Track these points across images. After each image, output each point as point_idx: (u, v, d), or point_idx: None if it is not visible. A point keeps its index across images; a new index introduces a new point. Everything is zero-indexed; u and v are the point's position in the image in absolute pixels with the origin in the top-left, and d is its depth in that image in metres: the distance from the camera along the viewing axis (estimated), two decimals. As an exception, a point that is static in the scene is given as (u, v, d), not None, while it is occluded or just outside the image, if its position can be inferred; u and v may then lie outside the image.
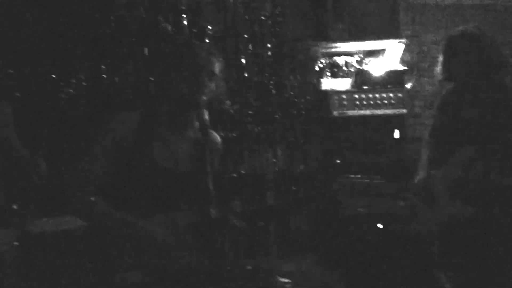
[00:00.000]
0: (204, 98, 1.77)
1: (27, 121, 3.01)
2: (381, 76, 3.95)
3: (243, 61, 3.80)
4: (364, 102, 3.94)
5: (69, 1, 3.44)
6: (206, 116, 1.78)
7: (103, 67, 3.34)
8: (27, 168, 2.71)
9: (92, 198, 1.66)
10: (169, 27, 3.55)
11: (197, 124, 1.80)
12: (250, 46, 3.80)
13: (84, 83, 3.29)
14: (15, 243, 2.18)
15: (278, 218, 3.35)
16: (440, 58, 2.32)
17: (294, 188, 3.73)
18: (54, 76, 3.21)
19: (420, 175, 2.33)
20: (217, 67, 1.81)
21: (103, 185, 1.69)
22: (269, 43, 3.83)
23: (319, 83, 4.02)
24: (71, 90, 3.24)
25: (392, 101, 3.93)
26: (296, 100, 3.89)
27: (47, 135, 3.15)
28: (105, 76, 3.31)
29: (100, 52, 3.36)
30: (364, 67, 4.12)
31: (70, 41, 3.36)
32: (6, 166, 2.61)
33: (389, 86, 3.92)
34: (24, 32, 3.35)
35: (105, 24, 3.41)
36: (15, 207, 2.68)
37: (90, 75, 3.29)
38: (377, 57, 4.20)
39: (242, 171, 3.62)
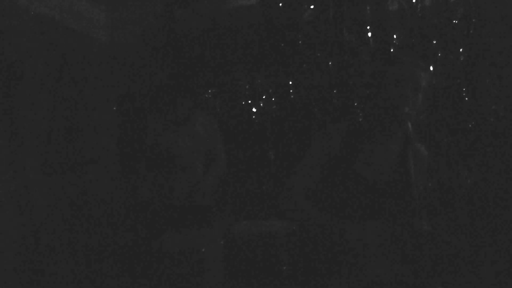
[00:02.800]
0: (409, 111, 1.74)
1: (229, 134, 3.40)
2: None
3: (431, 68, 3.60)
4: None
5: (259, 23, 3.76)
6: (411, 130, 1.75)
7: (290, 82, 3.55)
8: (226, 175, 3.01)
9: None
10: (353, 39, 3.59)
11: (402, 136, 1.79)
12: (439, 53, 3.59)
13: (273, 98, 3.52)
14: (221, 243, 2.41)
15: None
16: None
17: (489, 205, 3.37)
18: (247, 93, 3.52)
19: None
20: (424, 80, 1.77)
21: (310, 194, 1.79)
22: (462, 48, 3.56)
23: (521, 88, 3.56)
24: (261, 104, 3.51)
25: None
26: (494, 107, 3.52)
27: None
28: (292, 91, 3.50)
29: (288, 67, 3.58)
30: None
31: (259, 59, 3.66)
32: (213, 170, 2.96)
33: None
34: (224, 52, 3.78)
35: (292, 41, 3.62)
36: (216, 208, 2.99)
37: (278, 90, 3.53)
38: None
39: (429, 184, 3.41)
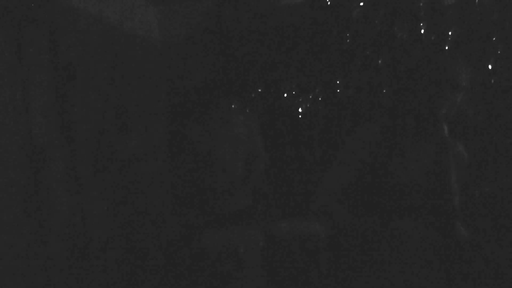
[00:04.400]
0: (445, 111, 1.66)
1: (272, 132, 3.40)
2: None
3: (490, 66, 3.41)
4: None
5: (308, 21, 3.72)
6: (447, 131, 1.67)
7: (337, 82, 3.48)
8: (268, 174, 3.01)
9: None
10: (404, 36, 3.46)
11: (438, 138, 1.71)
12: (499, 49, 3.38)
13: (320, 98, 3.48)
14: (261, 244, 2.41)
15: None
16: None
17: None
18: (294, 92, 3.49)
19: None
20: (464, 78, 1.68)
21: (345, 195, 1.76)
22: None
23: None
24: (308, 105, 3.47)
25: None
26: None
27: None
28: (339, 90, 3.44)
29: (336, 66, 3.51)
30: None
31: (307, 58, 3.62)
32: (253, 170, 2.97)
33: None
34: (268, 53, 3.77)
35: (341, 38, 3.55)
36: (256, 208, 3.00)
37: (326, 89, 3.47)
38: None
39: (485, 189, 3.24)
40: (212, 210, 2.92)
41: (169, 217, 3.69)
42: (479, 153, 3.21)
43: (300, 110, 3.47)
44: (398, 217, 1.68)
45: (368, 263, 1.68)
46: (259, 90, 3.51)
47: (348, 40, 3.53)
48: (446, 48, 3.49)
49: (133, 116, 3.52)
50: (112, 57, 3.32)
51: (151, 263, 3.41)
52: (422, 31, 3.51)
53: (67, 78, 2.81)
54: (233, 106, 2.92)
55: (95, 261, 2.81)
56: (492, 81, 3.35)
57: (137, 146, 3.52)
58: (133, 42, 3.67)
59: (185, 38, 4.03)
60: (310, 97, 3.45)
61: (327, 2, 3.72)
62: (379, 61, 3.51)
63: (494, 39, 3.37)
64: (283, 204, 3.45)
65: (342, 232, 1.73)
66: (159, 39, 4.09)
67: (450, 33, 3.47)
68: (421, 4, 3.53)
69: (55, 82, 2.72)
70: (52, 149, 2.64)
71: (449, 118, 1.68)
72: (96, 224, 2.90)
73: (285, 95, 3.52)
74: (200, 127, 2.97)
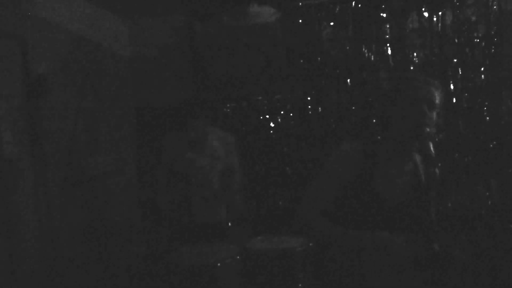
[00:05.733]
0: (428, 129, 1.73)
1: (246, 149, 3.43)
2: None
3: (451, 86, 3.59)
4: None
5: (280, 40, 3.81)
6: (430, 149, 1.74)
7: (308, 98, 3.57)
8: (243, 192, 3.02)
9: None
10: (373, 57, 3.60)
11: (418, 156, 1.78)
12: (459, 71, 3.58)
13: (291, 114, 3.54)
14: (238, 257, 2.41)
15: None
16: None
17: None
18: (265, 108, 3.55)
19: None
20: (437, 98, 1.77)
21: (327, 212, 1.78)
22: (482, 66, 3.54)
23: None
24: (279, 120, 3.53)
25: None
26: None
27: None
28: (310, 107, 3.52)
29: (306, 84, 3.61)
30: None
31: (279, 75, 3.70)
32: (227, 189, 2.98)
33: None
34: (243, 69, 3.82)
35: (311, 57, 3.67)
36: (229, 224, 3.00)
37: (297, 106, 3.56)
38: None
39: (449, 205, 3.38)
40: (187, 224, 2.90)
41: (140, 233, 3.63)
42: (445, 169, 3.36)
43: (272, 125, 3.52)
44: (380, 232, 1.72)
45: (346, 278, 1.70)
46: (232, 105, 3.54)
47: (319, 58, 3.64)
48: (411, 69, 3.65)
49: (102, 130, 3.47)
50: (84, 71, 3.28)
51: (123, 279, 3.34)
52: (389, 52, 3.67)
53: (38, 90, 2.75)
54: (206, 122, 2.92)
55: (64, 277, 2.72)
56: (454, 101, 3.54)
57: (106, 161, 3.46)
58: (105, 56, 3.64)
59: (156, 52, 4.03)
60: (282, 112, 3.52)
61: (299, 21, 3.82)
62: (348, 80, 3.63)
63: (455, 61, 3.57)
64: (258, 220, 3.47)
65: (324, 248, 1.75)
66: (131, 53, 4.06)
67: (414, 54, 3.65)
68: (387, 26, 3.70)
69: (25, 94, 2.66)
70: (22, 161, 2.56)
71: (431, 136, 1.75)
72: (65, 238, 2.82)
73: (257, 111, 3.58)
74: (178, 141, 2.96)
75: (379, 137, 1.85)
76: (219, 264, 2.37)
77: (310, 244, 2.40)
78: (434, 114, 1.74)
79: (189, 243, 2.68)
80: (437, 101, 1.75)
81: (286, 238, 2.59)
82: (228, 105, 3.63)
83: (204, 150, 2.92)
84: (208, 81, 3.80)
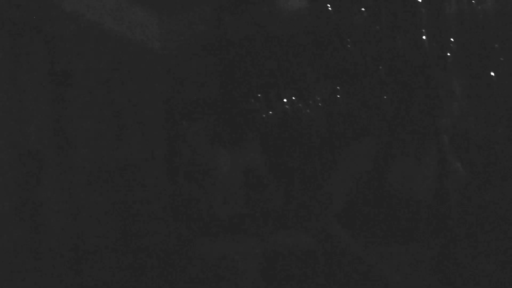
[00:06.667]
0: (444, 122, 1.63)
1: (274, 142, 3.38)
2: None
3: (492, 74, 3.38)
4: None
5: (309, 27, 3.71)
6: (446, 143, 1.63)
7: (338, 88, 3.46)
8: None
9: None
10: (407, 46, 3.43)
11: (436, 151, 1.68)
12: (501, 57, 3.36)
13: (320, 104, 3.45)
14: (257, 252, 2.39)
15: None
16: None
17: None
18: (293, 98, 3.47)
19: None
20: (458, 86, 1.66)
21: (341, 210, 1.72)
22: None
23: None
24: (308, 111, 3.44)
25: None
26: None
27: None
28: (339, 96, 3.41)
29: (336, 73, 3.49)
30: None
31: (308, 64, 3.61)
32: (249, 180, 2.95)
33: None
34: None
35: (343, 46, 3.54)
36: (258, 216, 2.98)
37: (327, 96, 3.45)
38: None
39: (484, 202, 3.19)
40: (208, 217, 2.90)
41: (165, 225, 3.67)
42: (478, 165, 3.17)
43: (300, 117, 3.45)
44: (396, 233, 1.65)
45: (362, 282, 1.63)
46: (260, 96, 3.49)
47: (349, 46, 3.52)
48: (448, 55, 3.46)
49: (130, 123, 3.51)
50: (112, 64, 3.33)
51: (147, 271, 3.39)
52: (424, 37, 3.49)
53: (64, 83, 2.81)
54: (229, 118, 2.90)
55: (89, 266, 2.78)
56: (493, 91, 3.32)
57: (133, 152, 3.50)
58: (134, 50, 3.67)
59: (185, 46, 4.02)
60: (311, 103, 3.43)
61: (328, 8, 3.70)
62: (380, 68, 3.48)
63: (496, 46, 3.35)
64: (280, 214, 3.41)
65: (338, 250, 1.69)
66: (161, 47, 4.08)
67: (452, 40, 3.45)
68: (422, 11, 3.51)
69: (52, 87, 2.72)
70: (48, 153, 2.63)
71: (449, 129, 1.65)
72: (90, 230, 2.88)
73: (285, 100, 3.51)
74: (202, 135, 2.96)
75: (395, 132, 1.76)
76: (237, 257, 2.36)
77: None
78: (455, 105, 1.63)
79: (210, 236, 2.69)
80: (458, 90, 1.64)
81: (306, 235, 2.54)
82: (253, 99, 3.58)
83: (227, 144, 2.91)
84: (236, 73, 3.76)
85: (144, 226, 3.48)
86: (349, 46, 3.52)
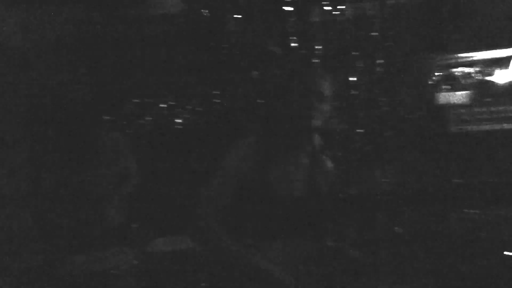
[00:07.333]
0: (315, 121, 1.74)
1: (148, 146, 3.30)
2: (505, 87, 3.60)
3: (353, 78, 3.74)
4: (486, 116, 3.61)
5: (185, 31, 3.71)
6: (318, 141, 1.76)
7: (216, 92, 3.52)
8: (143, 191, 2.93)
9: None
10: (278, 50, 3.63)
11: (309, 149, 1.80)
12: (359, 63, 3.73)
13: (196, 108, 3.47)
14: (135, 262, 2.32)
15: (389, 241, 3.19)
16: None
17: (406, 209, 3.54)
18: (171, 103, 3.45)
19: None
20: (327, 89, 1.78)
21: (222, 211, 1.75)
22: (380, 59, 3.72)
23: (434, 97, 3.77)
24: (187, 116, 3.44)
25: (519, 114, 3.55)
26: (409, 116, 3.70)
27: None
28: (218, 101, 3.47)
29: (213, 78, 3.55)
30: (486, 78, 3.78)
31: (185, 69, 3.60)
32: (123, 189, 2.86)
33: (515, 97, 3.54)
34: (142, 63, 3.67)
35: (217, 50, 3.60)
36: (134, 226, 2.90)
37: (204, 100, 3.49)
38: (501, 66, 3.83)
39: (351, 192, 3.53)
40: (84, 230, 2.75)
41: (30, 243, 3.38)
42: (344, 159, 3.49)
43: (179, 121, 3.43)
44: (276, 230, 1.73)
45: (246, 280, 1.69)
46: (135, 100, 3.39)
47: (224, 52, 3.59)
48: (314, 61, 3.74)
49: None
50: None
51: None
52: (294, 44, 3.72)
53: None
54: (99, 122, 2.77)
55: None
56: (355, 92, 3.68)
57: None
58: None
59: (49, 43, 3.74)
60: (188, 107, 3.44)
61: (204, 12, 3.74)
62: (255, 73, 3.63)
63: (353, 53, 3.71)
64: (159, 222, 3.35)
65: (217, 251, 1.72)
66: (22, 44, 3.75)
67: (318, 47, 3.73)
68: (291, 19, 3.74)
69: None
70: None
71: (319, 128, 1.77)
72: None
73: (161, 106, 3.46)
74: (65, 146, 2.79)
75: (272, 131, 1.84)
76: (112, 271, 2.27)
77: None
78: (324, 106, 1.76)
79: (84, 250, 2.54)
80: (328, 93, 1.76)
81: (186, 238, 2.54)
82: (128, 102, 3.47)
83: (98, 152, 2.78)
84: (108, 74, 3.61)
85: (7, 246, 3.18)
86: (224, 51, 3.60)
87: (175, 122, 3.44)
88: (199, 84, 3.55)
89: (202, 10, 3.69)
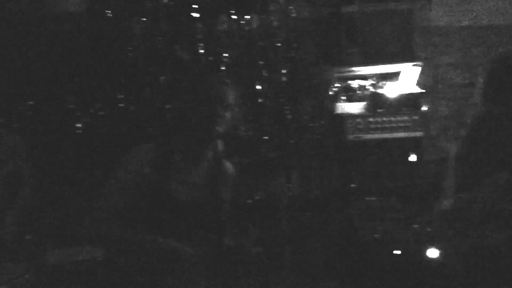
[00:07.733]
0: (218, 128, 1.78)
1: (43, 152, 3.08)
2: (396, 99, 3.93)
3: (258, 87, 3.84)
4: (379, 126, 3.91)
5: (87, 32, 3.55)
6: (220, 147, 1.80)
7: (120, 96, 3.41)
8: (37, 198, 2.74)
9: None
10: (185, 56, 3.62)
11: (211, 154, 1.84)
12: (264, 72, 3.84)
13: (101, 113, 3.35)
14: (26, 276, 2.16)
15: (293, 244, 3.33)
16: (480, 81, 2.24)
17: (309, 213, 3.71)
18: (71, 106, 3.28)
19: (446, 198, 2.27)
20: (231, 97, 1.83)
21: (120, 216, 1.72)
22: (284, 69, 3.86)
23: (333, 107, 4.01)
24: (89, 120, 3.29)
25: (408, 124, 3.90)
26: (311, 124, 3.89)
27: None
28: (122, 105, 3.36)
29: (117, 81, 3.43)
30: (379, 90, 4.10)
31: (87, 71, 3.45)
32: (16, 197, 2.65)
33: (404, 109, 3.89)
34: (41, 63, 3.45)
35: (123, 54, 3.50)
36: (28, 237, 2.70)
37: (108, 104, 3.36)
38: (392, 80, 4.18)
39: (257, 197, 3.62)
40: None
41: None
42: (250, 165, 3.58)
43: (79, 125, 3.26)
44: (177, 234, 1.73)
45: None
46: (31, 103, 3.16)
47: (130, 54, 3.50)
48: (222, 69, 3.78)
49: None
50: None
51: None
52: (202, 51, 3.73)
53: None
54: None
55: None
56: (260, 100, 3.79)
57: None
58: None
59: None
60: (91, 111, 3.28)
61: (108, 13, 3.62)
62: (161, 78, 3.58)
63: (261, 62, 3.82)
64: (56, 232, 3.13)
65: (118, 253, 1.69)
66: None
67: (225, 55, 3.78)
68: (199, 26, 3.75)
69: None
70: None
71: (222, 134, 1.81)
72: None
73: (61, 109, 3.27)
74: None
75: (173, 136, 1.86)
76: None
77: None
78: (228, 114, 1.81)
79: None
80: (231, 100, 1.82)
81: (86, 249, 2.42)
82: (25, 103, 3.23)
83: None
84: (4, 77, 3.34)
85: None
86: (130, 54, 3.51)
87: (76, 127, 3.26)
88: (102, 88, 3.41)
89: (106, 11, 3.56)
